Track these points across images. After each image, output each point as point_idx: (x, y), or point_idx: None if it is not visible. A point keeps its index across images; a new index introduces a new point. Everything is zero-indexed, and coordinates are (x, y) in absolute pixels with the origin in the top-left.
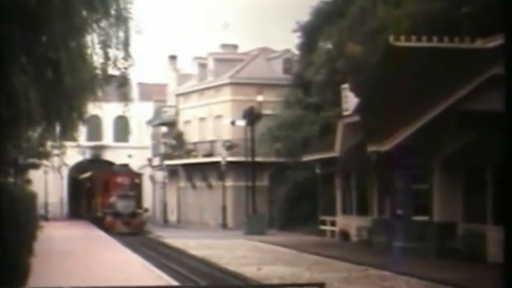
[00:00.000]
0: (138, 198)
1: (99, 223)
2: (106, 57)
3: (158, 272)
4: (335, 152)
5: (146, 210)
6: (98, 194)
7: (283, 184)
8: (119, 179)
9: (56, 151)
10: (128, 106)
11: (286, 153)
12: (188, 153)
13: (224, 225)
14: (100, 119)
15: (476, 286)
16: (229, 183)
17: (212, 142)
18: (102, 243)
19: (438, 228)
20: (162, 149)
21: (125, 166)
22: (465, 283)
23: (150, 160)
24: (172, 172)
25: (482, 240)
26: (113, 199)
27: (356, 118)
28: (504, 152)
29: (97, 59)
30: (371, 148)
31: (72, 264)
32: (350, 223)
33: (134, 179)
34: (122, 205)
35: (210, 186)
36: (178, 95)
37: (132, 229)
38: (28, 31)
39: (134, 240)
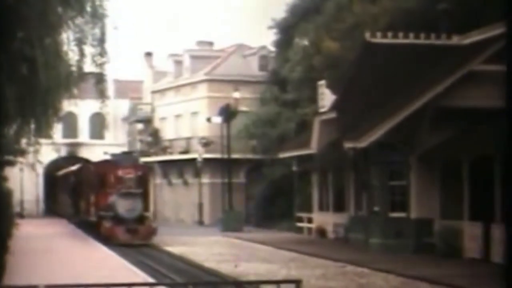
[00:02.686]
0: (145, 197)
1: (92, 229)
2: (82, 54)
3: (135, 269)
4: (312, 149)
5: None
6: (90, 191)
7: (260, 181)
8: (121, 172)
9: (31, 148)
10: (105, 103)
11: (263, 150)
12: (164, 150)
13: (200, 222)
14: (75, 116)
15: (453, 282)
16: (205, 180)
17: (188, 139)
18: (76, 240)
19: (415, 225)
20: (138, 146)
21: (129, 154)
22: (442, 279)
23: None
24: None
25: (459, 236)
26: (112, 198)
27: (332, 115)
28: (505, 151)
29: (73, 56)
30: (347, 145)
31: (48, 262)
32: (326, 220)
33: (140, 172)
34: (125, 207)
35: (186, 183)
36: (154, 92)
37: (139, 239)
38: (3, 27)
39: None
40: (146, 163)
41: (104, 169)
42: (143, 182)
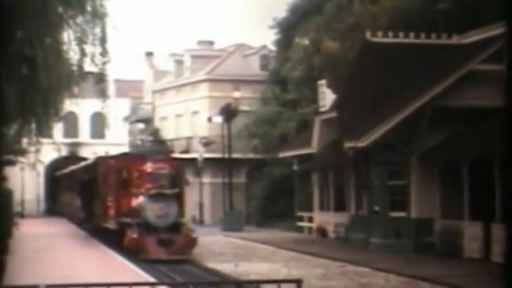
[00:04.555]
0: (181, 199)
1: (112, 239)
2: (83, 53)
3: (135, 268)
4: (312, 149)
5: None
6: (108, 192)
7: (260, 181)
8: (150, 167)
9: (32, 148)
10: (105, 103)
11: (263, 150)
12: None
13: (201, 222)
14: (76, 116)
15: (453, 282)
16: (206, 179)
17: (188, 138)
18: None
19: (415, 224)
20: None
21: (160, 143)
22: (442, 278)
23: None
24: None
25: (459, 236)
26: (138, 201)
27: (333, 115)
28: (504, 150)
29: (73, 56)
30: (348, 144)
31: (48, 262)
32: (327, 220)
33: (174, 167)
34: (156, 212)
35: (187, 183)
36: (155, 91)
37: (174, 253)
38: (3, 27)
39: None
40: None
41: (127, 163)
42: (177, 180)
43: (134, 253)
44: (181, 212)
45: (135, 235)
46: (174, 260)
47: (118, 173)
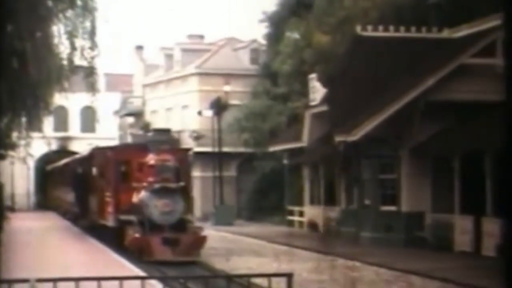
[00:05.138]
0: (187, 194)
1: (110, 237)
2: (73, 47)
3: (124, 261)
4: (303, 142)
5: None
6: (106, 186)
7: (251, 175)
8: (153, 159)
9: (22, 142)
10: (95, 97)
11: (254, 144)
12: None
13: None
14: (66, 110)
15: (444, 275)
16: (196, 173)
17: (179, 132)
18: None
19: (406, 218)
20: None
21: (164, 132)
22: (433, 272)
23: None
24: None
25: (450, 230)
26: (140, 196)
27: (323, 108)
28: (503, 146)
29: (64, 49)
30: (338, 138)
31: (38, 255)
32: (318, 214)
33: (180, 158)
34: (160, 208)
35: None
36: (145, 85)
37: (181, 254)
38: None
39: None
40: None
41: (127, 154)
42: (184, 172)
43: (136, 254)
44: (187, 208)
45: (137, 234)
46: (181, 261)
47: (116, 165)
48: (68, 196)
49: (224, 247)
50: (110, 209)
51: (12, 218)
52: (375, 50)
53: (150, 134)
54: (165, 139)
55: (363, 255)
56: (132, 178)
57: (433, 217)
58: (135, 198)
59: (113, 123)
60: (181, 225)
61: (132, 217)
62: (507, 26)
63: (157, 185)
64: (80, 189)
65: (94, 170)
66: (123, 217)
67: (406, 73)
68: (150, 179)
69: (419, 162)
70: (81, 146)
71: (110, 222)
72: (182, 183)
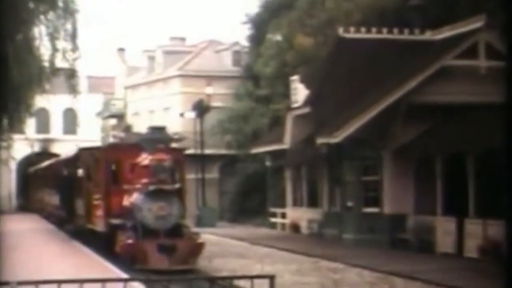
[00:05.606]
0: (182, 198)
1: (100, 244)
2: (54, 49)
3: (107, 264)
4: (285, 144)
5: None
6: (95, 188)
7: (234, 177)
8: (147, 159)
9: (4, 144)
10: (77, 99)
11: (236, 146)
12: None
13: None
14: (48, 112)
15: (426, 277)
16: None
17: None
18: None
19: (388, 220)
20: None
21: (161, 130)
22: (416, 274)
23: None
24: None
25: (432, 231)
26: (132, 199)
27: (305, 110)
28: (504, 147)
29: (45, 51)
30: (321, 140)
31: (22, 257)
32: (300, 216)
33: (176, 158)
34: (154, 212)
35: None
36: (127, 87)
37: (177, 262)
38: None
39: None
40: None
41: (117, 154)
42: (179, 173)
43: (128, 261)
44: (183, 212)
45: (130, 240)
46: (177, 270)
47: (106, 166)
48: (53, 199)
49: (206, 248)
50: (99, 212)
51: None
52: (358, 52)
53: (144, 132)
54: (161, 138)
55: (345, 257)
56: (123, 180)
57: (416, 219)
58: (127, 201)
59: (95, 125)
60: (177, 231)
61: (124, 222)
62: (507, 26)
63: (151, 187)
64: (66, 192)
65: (81, 172)
66: (114, 221)
67: (389, 74)
68: (144, 180)
69: (402, 164)
70: (63, 148)
71: (99, 226)
72: (178, 185)
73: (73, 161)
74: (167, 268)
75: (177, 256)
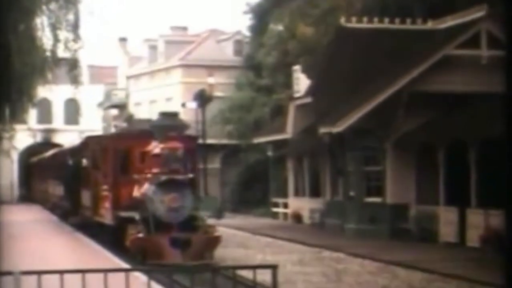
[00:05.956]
0: (195, 188)
1: (108, 237)
2: (56, 39)
3: (108, 254)
4: (287, 134)
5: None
6: (102, 179)
7: (235, 167)
8: (158, 147)
9: (6, 134)
10: (79, 89)
11: (238, 135)
12: None
13: None
14: (50, 102)
15: (429, 267)
16: None
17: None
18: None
19: (390, 210)
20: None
21: (174, 116)
22: (418, 263)
23: None
24: None
25: (434, 221)
26: (144, 190)
27: (307, 100)
28: (506, 139)
29: (47, 42)
30: (323, 130)
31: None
32: (302, 205)
33: (189, 147)
34: (167, 204)
35: None
36: (129, 77)
37: (192, 257)
38: None
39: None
40: None
41: (127, 143)
42: (192, 163)
43: (139, 256)
44: (196, 204)
45: (141, 234)
46: (192, 265)
47: (115, 155)
48: (57, 190)
49: None
50: (107, 204)
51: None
52: (360, 42)
53: (156, 118)
54: (173, 125)
55: (347, 247)
56: (133, 170)
57: (418, 209)
58: (137, 192)
59: (97, 115)
60: (192, 224)
61: (134, 214)
62: (507, 23)
63: (163, 177)
64: (71, 182)
65: (88, 161)
66: (123, 213)
67: (391, 64)
68: (155, 170)
69: (404, 153)
70: (65, 138)
71: (107, 219)
72: (191, 175)
73: (79, 150)
74: (181, 263)
75: (192, 250)
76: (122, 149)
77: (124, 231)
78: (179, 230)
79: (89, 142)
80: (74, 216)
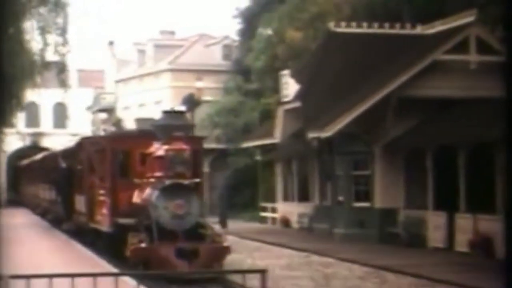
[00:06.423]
0: (201, 193)
1: (105, 246)
2: (45, 43)
3: (97, 259)
4: (276, 139)
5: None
6: (100, 183)
7: (224, 171)
8: (163, 148)
9: None
10: (67, 93)
11: (227, 140)
12: None
13: None
14: (38, 106)
15: (417, 271)
16: None
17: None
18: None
19: (379, 214)
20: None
21: (179, 115)
22: (407, 268)
23: None
24: None
25: (423, 226)
26: (146, 195)
27: (296, 104)
28: (505, 143)
29: (36, 45)
30: (311, 134)
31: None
32: (291, 210)
33: (195, 150)
34: (172, 211)
35: None
36: (117, 81)
37: (199, 266)
38: None
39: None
40: None
41: (126, 144)
42: (198, 166)
43: (141, 268)
44: (202, 211)
45: (143, 244)
46: (199, 278)
47: (112, 157)
48: (48, 194)
49: None
50: (104, 210)
51: None
52: (348, 46)
53: (159, 117)
54: (179, 124)
55: (336, 252)
56: (133, 173)
57: (406, 213)
58: (138, 198)
59: (86, 119)
60: (198, 232)
61: (135, 221)
62: (506, 24)
63: (168, 182)
64: (64, 186)
65: (83, 164)
66: (122, 220)
67: (380, 69)
68: (159, 173)
69: (393, 158)
70: (54, 142)
71: (104, 226)
72: (197, 180)
73: (73, 152)
74: (187, 273)
75: (200, 262)
76: (120, 150)
77: (123, 240)
78: (185, 239)
79: (84, 143)
80: (68, 222)
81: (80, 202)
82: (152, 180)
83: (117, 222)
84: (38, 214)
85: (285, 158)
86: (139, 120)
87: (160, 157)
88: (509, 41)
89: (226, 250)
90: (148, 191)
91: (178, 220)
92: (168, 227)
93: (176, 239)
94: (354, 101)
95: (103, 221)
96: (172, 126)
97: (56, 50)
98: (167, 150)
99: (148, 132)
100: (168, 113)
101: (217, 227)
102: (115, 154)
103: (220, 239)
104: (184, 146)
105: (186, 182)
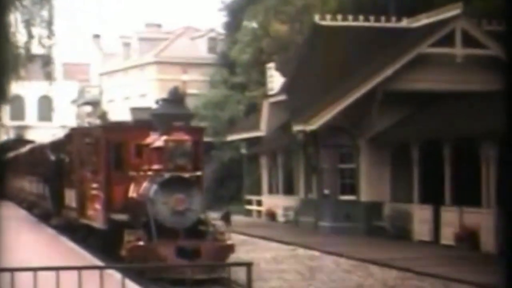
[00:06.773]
0: (202, 188)
1: (97, 244)
2: (30, 35)
3: (84, 253)
4: (261, 132)
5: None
6: (92, 176)
7: (209, 164)
8: (161, 139)
9: None
10: (52, 86)
11: (212, 133)
12: None
13: None
14: (23, 99)
15: (403, 265)
16: None
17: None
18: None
19: (365, 208)
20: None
21: (179, 103)
22: (392, 261)
23: None
24: None
25: (409, 219)
26: (143, 190)
27: (282, 98)
28: (505, 137)
29: (21, 38)
30: (297, 128)
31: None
32: (276, 203)
33: (196, 141)
34: (172, 207)
35: None
36: (102, 74)
37: (201, 269)
38: None
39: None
40: None
41: (121, 134)
42: (198, 158)
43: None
44: (204, 206)
45: (141, 242)
46: (201, 279)
47: (105, 148)
48: (35, 188)
49: None
50: (97, 205)
51: None
52: (334, 39)
53: (157, 106)
54: (179, 113)
55: (322, 245)
56: (128, 165)
57: (392, 207)
58: (134, 192)
59: (71, 112)
60: (200, 230)
61: (131, 218)
62: (507, 22)
63: (167, 175)
64: (53, 180)
65: (73, 156)
66: (117, 217)
67: (365, 62)
68: (157, 166)
69: (378, 151)
70: (38, 135)
71: (97, 222)
72: (199, 173)
73: (63, 143)
74: (189, 277)
75: (201, 261)
76: (114, 141)
77: (118, 237)
78: (186, 237)
79: (74, 135)
80: (57, 217)
81: (70, 197)
82: (149, 173)
83: (112, 218)
84: (24, 208)
85: (270, 151)
86: (134, 110)
87: (158, 149)
88: (509, 41)
89: (230, 248)
90: (145, 185)
91: (178, 216)
92: (167, 224)
93: (176, 237)
94: (339, 95)
95: (96, 217)
96: (170, 115)
97: (40, 43)
98: (166, 141)
99: (143, 122)
100: (166, 101)
101: (219, 224)
102: (109, 145)
103: (223, 237)
104: (185, 137)
105: (186, 175)
